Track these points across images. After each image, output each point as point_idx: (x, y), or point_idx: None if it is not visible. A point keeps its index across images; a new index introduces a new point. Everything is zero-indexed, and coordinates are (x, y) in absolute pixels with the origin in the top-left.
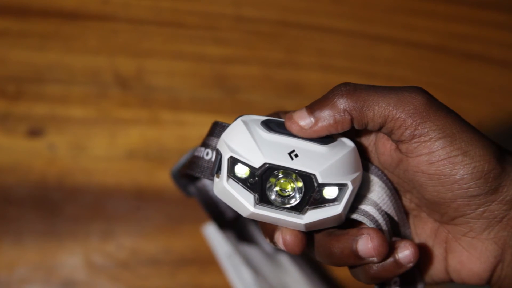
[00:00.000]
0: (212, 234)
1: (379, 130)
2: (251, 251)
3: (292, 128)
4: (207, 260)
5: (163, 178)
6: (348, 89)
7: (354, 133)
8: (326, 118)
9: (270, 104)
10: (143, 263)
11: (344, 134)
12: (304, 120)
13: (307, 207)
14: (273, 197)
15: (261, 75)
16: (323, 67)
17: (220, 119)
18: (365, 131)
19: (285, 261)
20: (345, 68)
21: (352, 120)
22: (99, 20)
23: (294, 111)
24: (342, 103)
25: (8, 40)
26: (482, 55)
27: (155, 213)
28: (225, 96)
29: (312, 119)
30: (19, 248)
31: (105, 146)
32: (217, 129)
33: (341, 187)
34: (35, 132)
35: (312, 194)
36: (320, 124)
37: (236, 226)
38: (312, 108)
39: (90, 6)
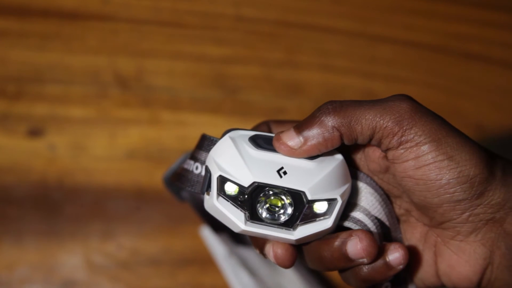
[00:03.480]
0: (209, 235)
1: (369, 142)
2: (247, 253)
3: (281, 149)
4: (207, 260)
5: None
6: (335, 106)
7: (344, 145)
8: (315, 136)
9: (270, 104)
10: (143, 263)
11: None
12: (292, 140)
13: (297, 222)
14: (263, 214)
15: (261, 75)
16: (323, 67)
17: (220, 119)
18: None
19: None
20: (345, 68)
21: (341, 137)
22: (99, 20)
23: (282, 131)
24: (330, 121)
25: (8, 40)
26: (482, 55)
27: (155, 213)
28: (225, 96)
29: (301, 139)
30: (19, 248)
31: (105, 146)
32: (205, 143)
33: (331, 201)
34: (35, 132)
35: (302, 210)
36: (309, 143)
37: (231, 230)
38: (300, 128)
39: (90, 6)
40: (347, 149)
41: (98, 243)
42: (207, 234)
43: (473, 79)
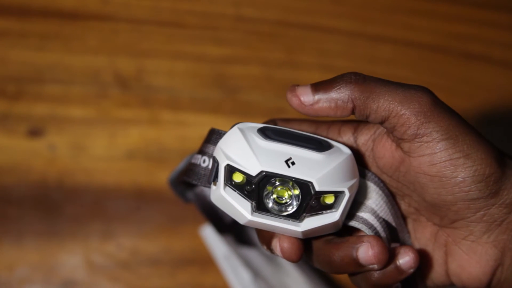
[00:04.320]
0: (210, 235)
1: (380, 123)
2: (251, 253)
3: (293, 101)
4: (207, 260)
5: (163, 178)
6: (358, 78)
7: (352, 141)
8: (328, 100)
9: (270, 104)
10: (143, 263)
11: (343, 143)
12: (306, 96)
13: (304, 214)
14: (270, 204)
15: (261, 75)
16: (323, 67)
17: (220, 119)
18: (363, 133)
19: (286, 263)
20: (345, 68)
21: (353, 109)
22: (99, 20)
23: (298, 84)
24: (348, 90)
25: (8, 40)
26: (482, 55)
27: (155, 213)
28: (225, 96)
29: (315, 98)
30: (19, 248)
31: (105, 146)
32: (213, 137)
33: (338, 194)
34: (35, 132)
35: (309, 202)
36: (320, 105)
37: (235, 230)
38: (317, 87)
39: (90, 6)
40: (356, 146)
41: (98, 243)
42: (207, 234)
43: (473, 79)
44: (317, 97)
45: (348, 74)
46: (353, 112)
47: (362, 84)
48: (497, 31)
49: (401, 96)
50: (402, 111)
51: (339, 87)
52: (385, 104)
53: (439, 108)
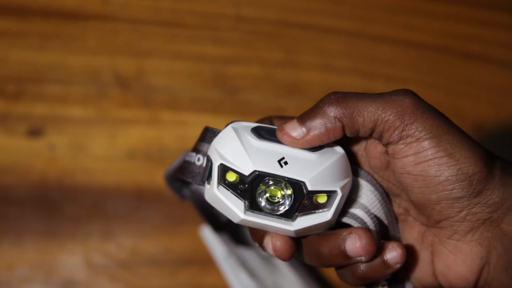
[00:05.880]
0: (209, 235)
1: (370, 135)
2: (247, 253)
3: (284, 139)
4: (207, 260)
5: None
6: (337, 97)
7: (345, 140)
8: (317, 127)
9: (270, 104)
10: (143, 263)
11: (336, 141)
12: (295, 131)
13: (296, 213)
14: (263, 204)
15: (261, 75)
16: (323, 67)
17: (220, 119)
18: (357, 137)
19: (281, 264)
20: (345, 68)
21: (343, 128)
22: (99, 20)
23: (285, 122)
24: (332, 111)
25: (8, 40)
26: (482, 55)
27: (155, 213)
28: (225, 96)
29: (304, 129)
30: (19, 248)
31: (105, 146)
32: (208, 135)
33: (331, 194)
34: (35, 132)
35: (301, 201)
36: (312, 134)
37: (231, 229)
38: (303, 119)
39: (90, 6)
40: (349, 145)
41: (98, 243)
42: (207, 234)
43: (473, 79)
44: (305, 128)
45: (327, 96)
46: (343, 131)
47: (343, 102)
48: (497, 31)
49: (383, 103)
50: (386, 117)
51: (323, 110)
52: (369, 115)
53: (422, 108)
